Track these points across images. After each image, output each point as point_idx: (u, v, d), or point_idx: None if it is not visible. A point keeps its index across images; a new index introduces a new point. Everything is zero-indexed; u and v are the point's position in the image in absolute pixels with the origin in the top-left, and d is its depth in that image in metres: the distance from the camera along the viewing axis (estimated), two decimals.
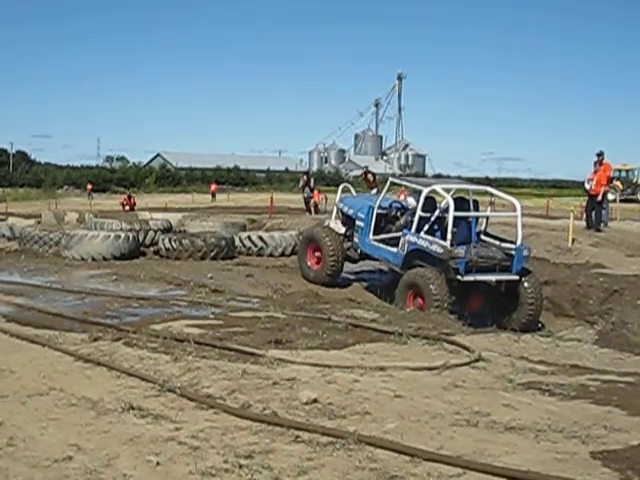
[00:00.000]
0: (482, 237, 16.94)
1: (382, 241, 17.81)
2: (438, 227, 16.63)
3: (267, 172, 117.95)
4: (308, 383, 7.42)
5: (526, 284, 15.90)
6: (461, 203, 16.86)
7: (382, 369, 8.03)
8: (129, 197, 52.68)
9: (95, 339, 9.41)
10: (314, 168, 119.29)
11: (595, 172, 25.71)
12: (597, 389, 7.76)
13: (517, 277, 15.84)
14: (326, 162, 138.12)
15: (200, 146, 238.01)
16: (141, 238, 22.68)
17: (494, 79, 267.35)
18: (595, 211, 25.83)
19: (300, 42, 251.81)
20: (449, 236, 15.61)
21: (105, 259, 20.24)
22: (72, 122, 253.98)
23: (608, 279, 17.94)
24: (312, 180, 38.88)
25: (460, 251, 15.44)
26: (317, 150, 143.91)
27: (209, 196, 71.07)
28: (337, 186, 22.08)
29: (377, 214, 18.17)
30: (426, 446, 5.71)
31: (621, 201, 45.46)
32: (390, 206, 18.58)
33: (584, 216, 27.23)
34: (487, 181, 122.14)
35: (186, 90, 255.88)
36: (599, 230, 25.13)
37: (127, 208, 48.72)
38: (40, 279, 16.05)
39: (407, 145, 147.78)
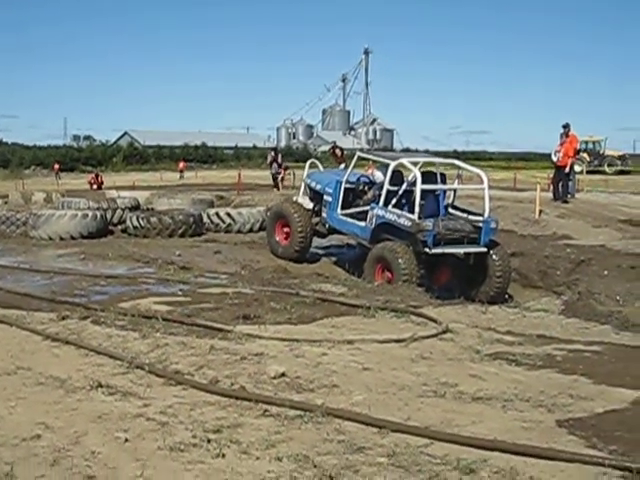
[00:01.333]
0: (450, 210, 16.94)
1: (350, 215, 17.85)
2: (406, 201, 16.63)
3: (235, 149, 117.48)
4: (276, 357, 7.43)
5: (494, 256, 15.95)
6: (429, 176, 16.83)
7: (350, 342, 8.05)
8: (96, 176, 52.34)
9: (63, 318, 9.37)
10: (282, 144, 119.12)
11: (562, 144, 25.94)
12: (563, 358, 7.82)
13: (485, 249, 15.85)
14: (294, 138, 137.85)
15: (168, 124, 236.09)
16: (109, 217, 22.66)
17: (459, 53, 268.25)
18: (562, 183, 26.04)
19: (266, 20, 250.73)
20: (417, 209, 15.62)
21: (73, 238, 20.16)
22: (39, 102, 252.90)
23: (575, 250, 18.07)
24: (280, 156, 38.82)
25: (428, 224, 15.41)
26: (285, 126, 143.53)
27: (177, 174, 70.93)
28: (305, 162, 22.13)
29: (345, 189, 18.22)
30: (394, 417, 5.74)
31: (588, 172, 45.82)
32: (358, 180, 18.60)
33: (551, 188, 27.41)
34: (455, 154, 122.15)
35: (153, 69, 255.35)
36: (566, 201, 25.35)
37: (95, 187, 48.46)
38: (8, 259, 15.96)
39: (375, 120, 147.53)
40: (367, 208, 17.19)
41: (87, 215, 20.99)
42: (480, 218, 16.07)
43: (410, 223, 15.67)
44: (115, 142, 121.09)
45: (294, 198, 20.15)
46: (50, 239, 20.11)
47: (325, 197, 18.74)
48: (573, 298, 14.54)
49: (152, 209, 24.58)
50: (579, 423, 5.76)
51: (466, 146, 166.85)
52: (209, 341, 8.03)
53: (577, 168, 32.37)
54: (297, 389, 6.49)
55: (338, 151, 37.69)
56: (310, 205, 19.30)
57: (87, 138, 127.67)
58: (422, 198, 15.87)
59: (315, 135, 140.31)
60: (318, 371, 6.99)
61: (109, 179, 55.80)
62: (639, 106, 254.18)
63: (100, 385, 6.53)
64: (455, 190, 17.86)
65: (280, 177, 37.28)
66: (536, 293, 16.11)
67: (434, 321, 9.28)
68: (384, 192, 16.62)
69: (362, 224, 17.22)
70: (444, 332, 8.71)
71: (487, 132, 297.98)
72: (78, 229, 20.53)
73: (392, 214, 16.32)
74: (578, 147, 28.39)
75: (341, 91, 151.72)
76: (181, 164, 76.24)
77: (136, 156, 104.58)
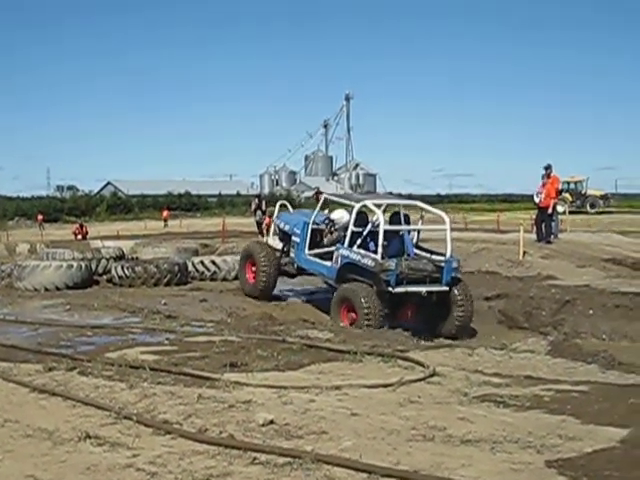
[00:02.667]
0: (414, 250, 17.59)
1: (317, 255, 18.48)
2: (370, 241, 17.15)
3: (219, 196, 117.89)
4: (264, 405, 7.42)
5: (457, 293, 16.53)
6: (393, 217, 17.86)
7: (338, 388, 8.05)
8: (81, 226, 52.30)
9: (50, 369, 9.32)
10: (265, 191, 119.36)
11: (543, 185, 26.10)
12: (551, 399, 7.84)
13: (446, 288, 16.38)
14: (277, 185, 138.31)
15: (151, 173, 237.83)
16: (94, 267, 22.68)
17: (441, 96, 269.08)
18: (545, 223, 26.16)
19: (246, 67, 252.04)
20: (380, 250, 16.22)
21: (58, 289, 20.13)
22: (21, 153, 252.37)
23: (560, 290, 18.13)
24: (264, 203, 38.96)
25: (391, 264, 15.96)
26: (268, 173, 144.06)
27: (161, 222, 71.00)
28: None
29: (312, 229, 18.85)
30: (383, 462, 5.73)
31: (570, 212, 46.06)
32: (324, 222, 18.98)
33: (534, 229, 27.54)
34: (438, 198, 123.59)
35: (135, 117, 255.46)
36: (549, 242, 25.47)
37: (79, 237, 48.39)
38: None
39: (358, 165, 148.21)
40: (333, 249, 17.73)
41: (72, 266, 20.98)
42: (442, 258, 16.72)
43: (374, 263, 16.21)
44: (98, 192, 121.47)
45: (265, 239, 21.24)
46: (35, 290, 20.06)
47: (293, 238, 19.32)
48: (559, 338, 14.58)
49: (137, 258, 24.64)
50: (568, 463, 5.76)
51: (449, 189, 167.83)
52: (197, 390, 8.00)
53: (560, 208, 32.54)
54: (286, 436, 6.46)
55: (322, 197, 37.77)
56: (279, 245, 20.09)
57: (70, 188, 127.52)
58: (386, 239, 16.57)
59: (298, 181, 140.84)
60: (307, 417, 6.98)
61: (93, 229, 55.80)
62: (620, 145, 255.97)
63: (88, 436, 6.48)
64: (419, 231, 18.61)
65: (265, 224, 37.35)
66: (522, 334, 16.11)
67: (421, 365, 9.29)
68: (349, 233, 17.15)
69: (328, 264, 17.78)
70: (431, 375, 8.73)
71: (470, 175, 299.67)
72: (63, 280, 20.51)
73: (356, 254, 16.84)
74: (560, 187, 28.62)
75: (323, 137, 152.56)
76: (165, 213, 76.40)
77: (120, 205, 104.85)
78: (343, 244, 17.28)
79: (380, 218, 16.69)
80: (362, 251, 16.86)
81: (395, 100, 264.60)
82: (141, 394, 7.94)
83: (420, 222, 18.79)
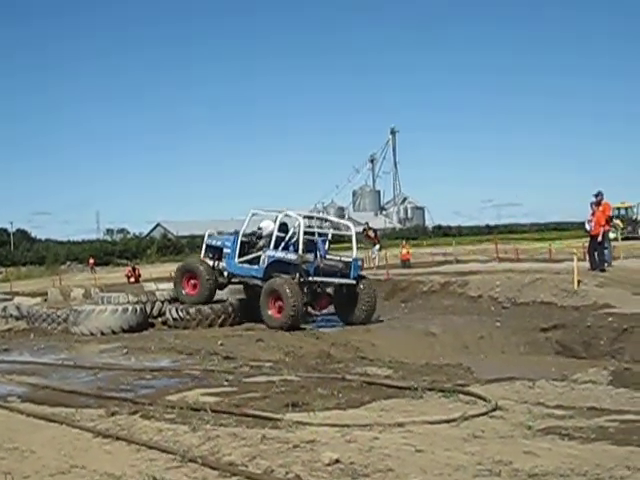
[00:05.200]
0: (326, 254, 21.90)
1: (246, 262, 22.36)
2: (291, 245, 21.59)
3: None
4: (328, 444, 7.41)
5: (362, 287, 21.72)
6: (309, 228, 22.71)
7: (400, 425, 8.02)
8: (133, 269, 52.57)
9: (112, 414, 9.41)
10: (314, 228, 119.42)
11: (593, 213, 25.87)
12: (616, 430, 7.75)
13: (354, 282, 21.55)
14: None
15: (200, 212, 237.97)
16: (148, 309, 22.79)
17: (487, 127, 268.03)
18: (597, 252, 25.92)
19: (291, 104, 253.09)
20: (301, 246, 20.97)
21: (114, 333, 20.35)
22: (70, 197, 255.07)
23: (617, 318, 17.98)
24: None
25: (310, 257, 21.16)
26: (316, 209, 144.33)
27: None
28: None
29: (241, 242, 22.66)
30: None
31: (623, 239, 45.55)
32: (252, 234, 22.94)
33: (587, 257, 27.28)
34: (487, 229, 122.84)
35: (182, 156, 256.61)
36: (603, 270, 25.19)
37: (132, 280, 48.57)
38: (51, 357, 16.11)
39: (405, 198, 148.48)
40: (260, 253, 21.92)
41: (127, 309, 21.17)
42: (350, 259, 21.88)
43: (296, 256, 20.99)
44: (148, 234, 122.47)
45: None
46: (91, 334, 20.28)
47: (225, 250, 23.05)
48: (620, 367, 14.42)
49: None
50: None
51: (498, 219, 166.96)
52: (260, 430, 8.01)
53: (612, 235, 32.22)
54: (352, 475, 6.45)
55: (371, 232, 38.07)
56: (210, 262, 23.29)
57: (120, 231, 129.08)
58: (304, 245, 21.05)
59: (347, 217, 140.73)
60: (372, 455, 6.95)
61: (145, 271, 56.08)
62: None
63: None
64: (328, 240, 22.77)
65: None
66: (582, 364, 15.98)
67: (482, 399, 9.24)
68: (274, 238, 21.68)
69: (256, 267, 21.94)
70: (494, 409, 8.68)
71: (518, 204, 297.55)
72: (119, 323, 20.71)
73: (281, 253, 21.50)
74: (611, 214, 28.34)
75: (370, 172, 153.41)
76: None
77: (170, 247, 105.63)
78: (269, 247, 21.65)
79: (301, 222, 21.62)
80: (286, 251, 21.45)
81: (441, 132, 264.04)
82: (204, 436, 7.97)
83: (330, 231, 23.90)
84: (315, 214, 26.19)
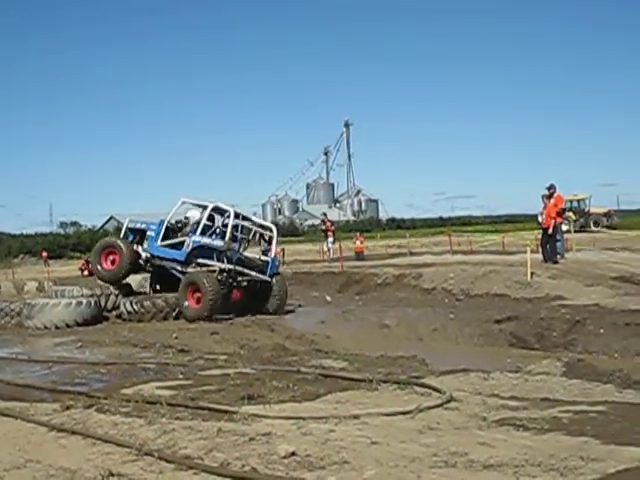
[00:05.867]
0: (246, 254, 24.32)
1: (169, 245, 23.42)
2: (216, 234, 23.06)
3: None
4: (284, 436, 7.41)
5: (275, 282, 23.70)
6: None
7: (356, 417, 8.03)
8: (87, 262, 52.15)
9: (67, 407, 9.32)
10: (268, 220, 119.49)
11: (546, 206, 26.09)
12: (570, 420, 7.82)
13: (269, 279, 23.58)
14: (280, 213, 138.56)
15: (152, 205, 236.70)
16: (103, 303, 22.66)
17: (440, 119, 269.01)
18: (549, 244, 26.11)
19: (245, 97, 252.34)
20: (228, 235, 22.58)
21: (68, 326, 20.19)
22: (23, 190, 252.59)
23: (570, 310, 18.15)
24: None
25: (235, 245, 23.06)
26: (270, 202, 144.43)
27: None
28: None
29: (167, 227, 23.82)
30: None
31: (576, 231, 45.94)
32: (178, 222, 24.36)
33: (540, 249, 27.50)
34: (441, 221, 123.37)
35: (135, 149, 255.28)
36: (556, 262, 25.42)
37: (86, 273, 48.27)
38: (5, 351, 15.94)
39: (359, 191, 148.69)
40: (185, 238, 23.09)
41: (81, 302, 21.03)
42: (268, 258, 24.14)
43: (222, 243, 22.61)
44: (102, 226, 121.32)
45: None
46: (45, 328, 20.10)
47: (148, 232, 24.12)
48: (573, 359, 14.56)
49: (145, 293, 24.60)
50: None
51: (451, 212, 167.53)
52: (216, 423, 7.99)
53: (565, 227, 32.48)
54: (308, 467, 6.45)
55: (329, 223, 38.68)
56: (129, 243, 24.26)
57: (74, 224, 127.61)
58: (230, 235, 22.62)
59: (301, 210, 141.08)
60: (327, 448, 6.96)
61: None
62: (621, 161, 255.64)
63: (111, 474, 6.48)
64: (247, 240, 24.93)
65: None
66: (535, 356, 16.11)
67: (437, 391, 9.28)
68: (201, 225, 23.00)
69: (179, 251, 22.98)
70: (448, 401, 8.71)
71: (472, 196, 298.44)
72: (73, 317, 20.55)
73: (207, 239, 22.87)
74: (563, 207, 28.56)
75: (324, 164, 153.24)
76: None
77: None
78: (195, 233, 22.90)
79: (231, 213, 23.40)
80: (212, 238, 22.83)
81: (394, 125, 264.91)
82: (160, 430, 7.94)
83: (253, 229, 25.14)
84: (242, 213, 26.26)
